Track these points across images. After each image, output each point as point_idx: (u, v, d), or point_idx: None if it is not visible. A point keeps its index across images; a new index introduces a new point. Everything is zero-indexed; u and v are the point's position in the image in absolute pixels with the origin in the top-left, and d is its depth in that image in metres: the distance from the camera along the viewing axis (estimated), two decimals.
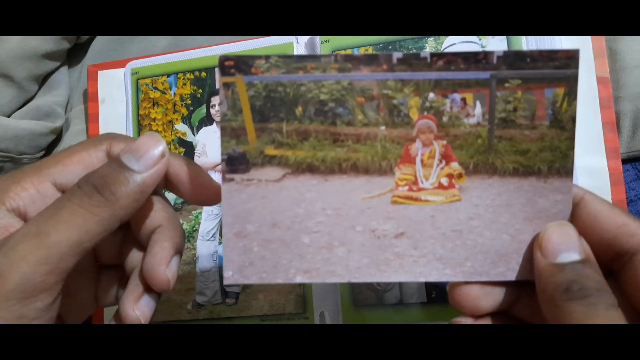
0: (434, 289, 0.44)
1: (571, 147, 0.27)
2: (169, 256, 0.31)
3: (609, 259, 0.28)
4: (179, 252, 0.32)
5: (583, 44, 0.44)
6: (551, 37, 0.43)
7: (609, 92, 0.44)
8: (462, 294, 0.29)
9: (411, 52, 0.44)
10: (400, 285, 0.45)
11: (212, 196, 0.32)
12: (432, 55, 0.26)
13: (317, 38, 0.48)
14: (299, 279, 0.28)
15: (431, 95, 0.27)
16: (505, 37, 0.44)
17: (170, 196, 0.51)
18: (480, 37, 0.45)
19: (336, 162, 0.28)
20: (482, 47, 0.45)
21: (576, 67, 0.27)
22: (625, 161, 0.45)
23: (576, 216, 0.29)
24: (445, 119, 0.28)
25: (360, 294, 0.45)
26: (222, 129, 0.28)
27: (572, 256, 0.27)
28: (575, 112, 0.27)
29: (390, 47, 0.46)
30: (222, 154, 0.28)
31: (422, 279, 0.27)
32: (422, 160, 0.28)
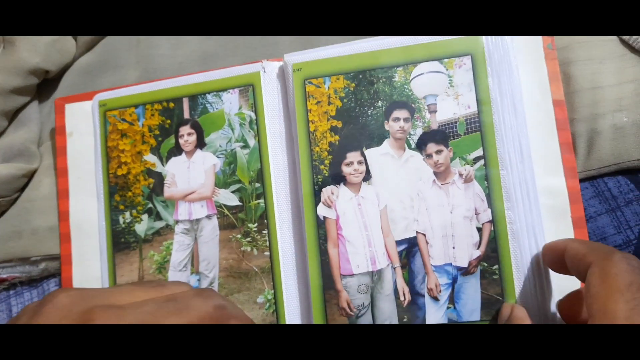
0: (405, 314, 0.49)
1: None
2: None
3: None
4: None
5: (539, 69, 0.51)
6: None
7: (565, 114, 0.51)
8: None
9: (381, 81, 0.52)
10: (373, 310, 0.50)
11: None
12: None
13: (290, 67, 0.53)
14: None
15: None
16: (470, 66, 0.50)
17: (141, 227, 0.57)
18: (447, 67, 0.50)
19: None
20: (449, 76, 0.50)
21: None
22: (582, 180, 0.52)
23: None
24: None
25: (334, 320, 0.50)
26: None
27: None
28: None
29: (360, 76, 0.51)
30: None
31: None
32: None
